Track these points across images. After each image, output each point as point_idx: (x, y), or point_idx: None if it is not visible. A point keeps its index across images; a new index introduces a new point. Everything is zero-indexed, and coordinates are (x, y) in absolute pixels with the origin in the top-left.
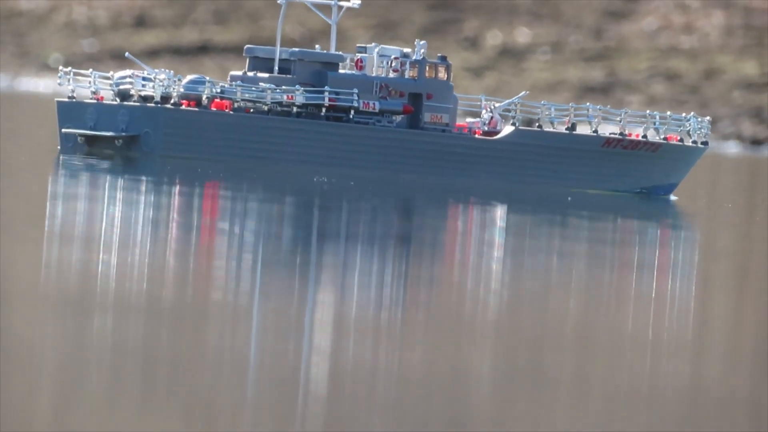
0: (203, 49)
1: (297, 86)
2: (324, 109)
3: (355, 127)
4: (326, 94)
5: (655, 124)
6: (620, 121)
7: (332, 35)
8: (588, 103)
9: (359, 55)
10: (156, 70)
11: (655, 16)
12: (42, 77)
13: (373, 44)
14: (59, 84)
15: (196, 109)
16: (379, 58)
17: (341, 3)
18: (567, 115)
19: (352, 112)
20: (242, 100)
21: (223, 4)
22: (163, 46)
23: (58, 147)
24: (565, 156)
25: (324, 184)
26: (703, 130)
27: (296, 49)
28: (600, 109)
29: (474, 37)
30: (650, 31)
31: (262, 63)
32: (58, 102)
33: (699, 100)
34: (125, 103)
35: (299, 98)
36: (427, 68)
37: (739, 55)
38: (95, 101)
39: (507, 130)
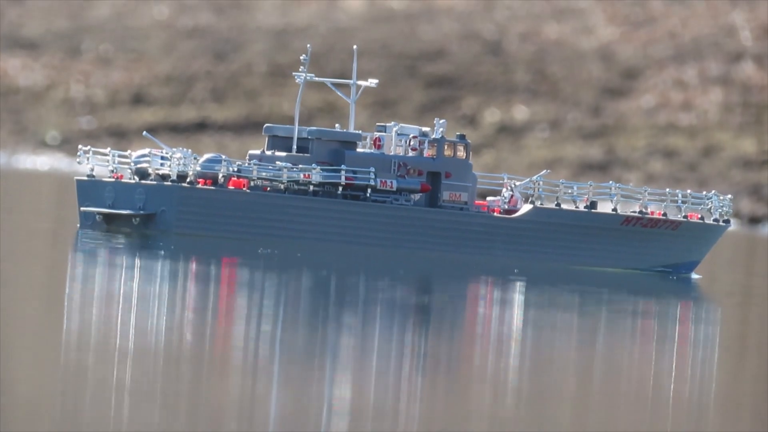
0: (201, 127)
1: (314, 165)
2: (341, 188)
3: (371, 205)
4: (342, 172)
5: (677, 202)
6: (641, 200)
7: (351, 114)
8: (611, 181)
9: (377, 134)
10: (173, 149)
11: (653, 93)
12: (39, 154)
13: (393, 123)
14: (78, 162)
15: (212, 187)
16: (398, 137)
17: (359, 82)
18: (586, 194)
19: (369, 190)
20: (258, 178)
21: (220, 82)
22: (161, 123)
23: (77, 225)
24: (584, 234)
25: (273, 256)
26: (725, 208)
27: (314, 128)
28: (620, 187)
29: (472, 114)
30: (648, 109)
31: (280, 141)
32: (78, 180)
33: (697, 178)
34: (142, 181)
35: (316, 177)
36: (446, 147)
37: (738, 133)
38: (113, 180)
39: (525, 208)
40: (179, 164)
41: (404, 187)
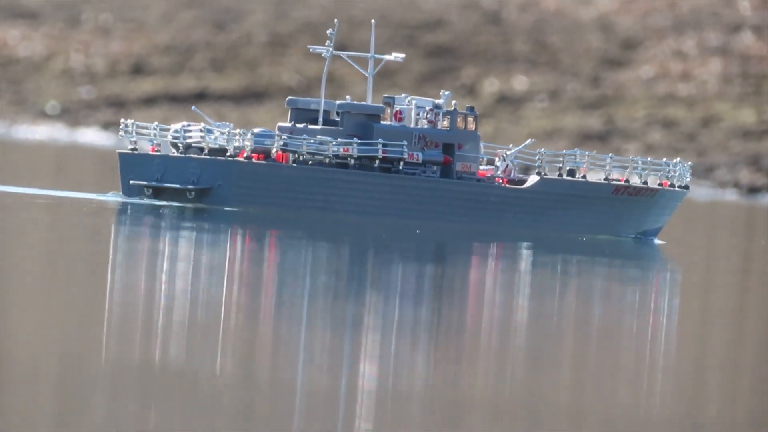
0: (200, 96)
1: (354, 138)
2: (377, 161)
3: (409, 178)
4: (379, 146)
5: (636, 168)
6: (605, 167)
7: (369, 87)
8: (576, 149)
9: (398, 107)
10: (219, 123)
11: (653, 64)
12: (38, 124)
13: (404, 95)
14: (121, 136)
15: (267, 162)
16: (416, 110)
17: (386, 57)
18: (561, 163)
19: (402, 163)
20: (308, 153)
21: (220, 52)
22: (160, 93)
23: (119, 197)
24: (583, 203)
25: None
26: (686, 174)
27: (343, 102)
28: (588, 155)
29: (471, 84)
30: (647, 79)
31: (303, 114)
32: (121, 154)
33: (696, 148)
34: (193, 155)
35: (354, 150)
36: (458, 119)
37: (737, 103)
38: (159, 153)
39: (533, 179)
40: (234, 139)
41: (429, 159)
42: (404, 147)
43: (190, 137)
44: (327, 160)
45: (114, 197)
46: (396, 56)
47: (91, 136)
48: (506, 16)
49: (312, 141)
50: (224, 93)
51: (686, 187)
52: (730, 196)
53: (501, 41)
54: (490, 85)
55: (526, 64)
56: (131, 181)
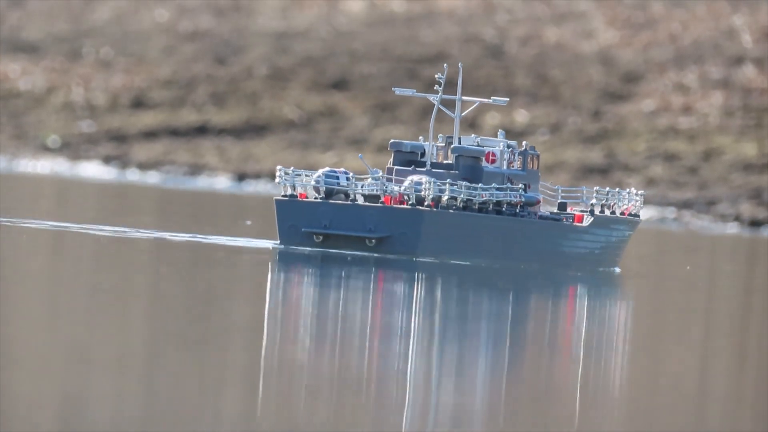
0: (201, 131)
1: (464, 182)
2: (505, 206)
3: (543, 223)
4: (508, 191)
5: (583, 199)
6: (555, 199)
7: (455, 129)
8: (558, 185)
9: (488, 149)
10: (373, 170)
11: (654, 97)
12: (39, 158)
13: (473, 136)
14: (277, 183)
15: (452, 210)
16: (505, 151)
17: (486, 101)
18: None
19: (519, 207)
20: (468, 199)
21: (220, 86)
22: (161, 127)
23: (277, 245)
24: (611, 237)
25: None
26: (639, 203)
27: (456, 145)
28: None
29: (473, 117)
30: (649, 112)
31: (405, 156)
32: (279, 201)
33: (698, 181)
34: (368, 204)
35: (491, 196)
36: (529, 158)
37: (739, 136)
38: (322, 200)
39: (588, 219)
40: (430, 188)
41: (528, 201)
42: (522, 190)
43: (348, 184)
44: (476, 206)
45: (272, 244)
46: (497, 99)
47: (92, 170)
48: (508, 50)
49: (462, 187)
50: (225, 127)
51: (638, 215)
52: (732, 229)
53: (502, 75)
54: (492, 119)
55: (528, 97)
56: (304, 229)
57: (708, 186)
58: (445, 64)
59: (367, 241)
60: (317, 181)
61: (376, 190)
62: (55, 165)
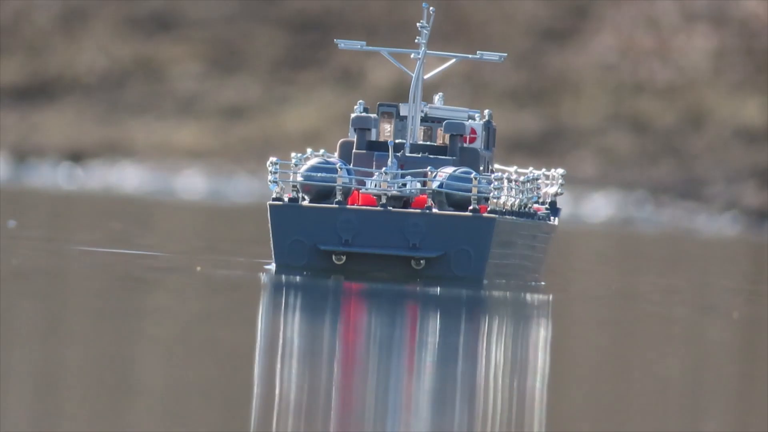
0: None
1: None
2: None
3: None
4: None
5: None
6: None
7: (416, 95)
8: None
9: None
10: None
11: (614, 38)
12: None
13: (437, 98)
14: (271, 182)
15: (514, 217)
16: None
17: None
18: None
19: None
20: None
21: None
22: None
23: (272, 266)
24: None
25: None
26: (557, 189)
27: (449, 121)
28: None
29: (358, 70)
30: (606, 60)
31: (366, 136)
32: (273, 206)
33: (678, 156)
34: (410, 210)
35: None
36: (492, 134)
37: (736, 93)
38: (339, 204)
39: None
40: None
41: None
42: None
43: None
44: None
45: (266, 266)
46: (498, 55)
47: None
48: None
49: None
50: None
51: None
52: (728, 228)
53: (389, 9)
54: (385, 71)
55: (437, 40)
56: (322, 247)
57: (693, 162)
58: (424, 3)
59: (413, 263)
60: (306, 177)
61: (400, 190)
62: None
